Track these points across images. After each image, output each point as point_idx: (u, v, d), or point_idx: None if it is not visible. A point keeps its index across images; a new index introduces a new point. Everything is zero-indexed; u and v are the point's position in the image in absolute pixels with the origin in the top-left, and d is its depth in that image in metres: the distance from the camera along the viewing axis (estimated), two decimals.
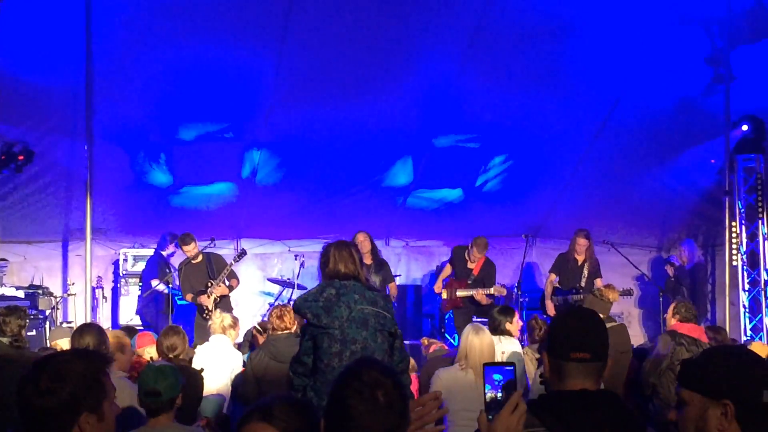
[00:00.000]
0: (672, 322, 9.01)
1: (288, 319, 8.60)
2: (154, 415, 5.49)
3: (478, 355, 7.53)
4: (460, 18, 11.59)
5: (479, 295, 13.03)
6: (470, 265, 13.29)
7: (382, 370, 3.05)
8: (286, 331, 8.49)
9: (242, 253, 13.09)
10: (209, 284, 12.54)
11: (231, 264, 12.74)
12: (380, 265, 12.84)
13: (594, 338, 3.35)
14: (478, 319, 13.14)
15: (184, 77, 12.00)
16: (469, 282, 13.17)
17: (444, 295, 13.35)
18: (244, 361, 9.14)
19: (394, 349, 6.31)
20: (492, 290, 13.08)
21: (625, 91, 12.86)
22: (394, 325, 6.35)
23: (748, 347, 10.98)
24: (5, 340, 7.60)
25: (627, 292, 13.42)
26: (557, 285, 13.64)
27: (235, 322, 9.68)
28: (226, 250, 14.11)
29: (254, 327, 10.59)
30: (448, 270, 13.51)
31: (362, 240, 12.53)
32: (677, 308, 9.03)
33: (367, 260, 12.50)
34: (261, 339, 10.62)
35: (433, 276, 14.99)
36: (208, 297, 12.48)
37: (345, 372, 3.10)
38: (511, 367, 3.04)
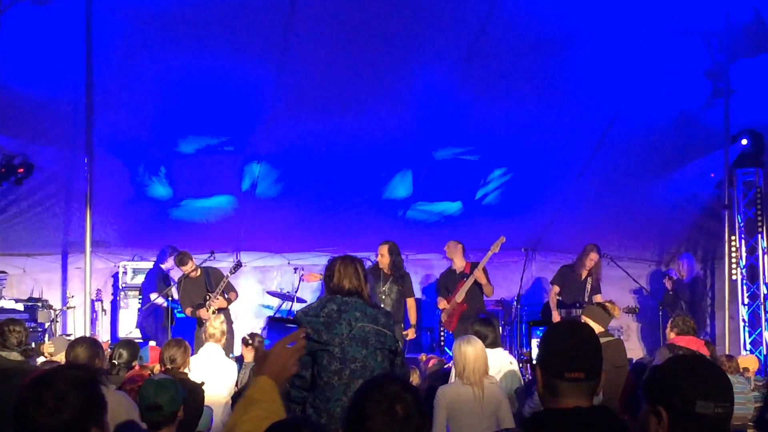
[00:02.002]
0: (671, 335, 9.05)
1: None
2: (155, 428, 5.49)
3: (473, 365, 7.56)
4: (460, 31, 11.62)
5: (477, 273, 12.79)
6: (458, 270, 13.19)
7: (404, 385, 3.15)
8: None
9: (238, 265, 13.11)
10: (207, 297, 12.57)
11: (227, 276, 12.76)
12: (401, 277, 12.65)
13: (588, 357, 3.34)
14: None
15: (184, 90, 12.02)
16: (464, 279, 12.97)
17: (444, 317, 13.22)
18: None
19: (395, 366, 6.26)
20: (491, 250, 12.91)
21: (624, 104, 12.87)
22: (396, 342, 6.31)
23: (737, 359, 11.04)
24: (4, 353, 7.59)
25: (632, 311, 13.44)
26: (559, 297, 13.66)
27: (224, 332, 9.74)
28: (225, 263, 14.09)
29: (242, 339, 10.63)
30: (443, 300, 13.37)
31: (383, 253, 12.44)
32: (675, 322, 9.11)
33: (387, 270, 12.44)
34: (247, 352, 10.67)
35: (433, 288, 14.99)
36: (207, 310, 12.50)
37: (368, 383, 3.20)
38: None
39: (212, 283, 12.74)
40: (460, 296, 12.88)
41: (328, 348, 6.03)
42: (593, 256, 13.49)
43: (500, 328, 13.63)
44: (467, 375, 7.59)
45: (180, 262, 12.85)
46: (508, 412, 7.69)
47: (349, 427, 3.10)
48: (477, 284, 12.86)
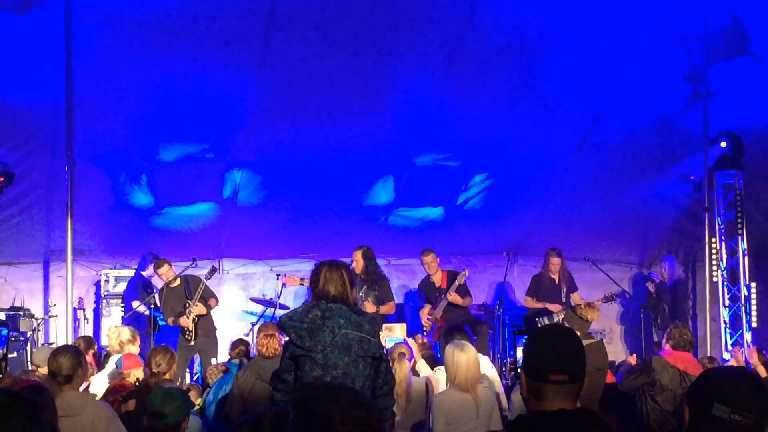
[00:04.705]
0: (666, 347, 8.91)
1: (276, 338, 8.59)
2: None
3: (465, 373, 7.58)
4: (440, 37, 11.63)
5: (451, 296, 13.05)
6: (437, 283, 13.41)
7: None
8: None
9: (212, 270, 13.13)
10: (186, 305, 12.58)
11: (203, 281, 12.77)
12: (375, 282, 12.70)
13: (572, 360, 3.36)
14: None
15: (164, 98, 12.00)
16: (442, 296, 13.20)
17: (428, 328, 13.40)
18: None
19: (379, 372, 6.27)
20: (456, 282, 13.08)
21: (604, 108, 12.89)
22: (380, 348, 6.29)
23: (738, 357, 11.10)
24: None
25: (610, 298, 13.50)
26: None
27: (134, 337, 9.69)
28: (207, 270, 14.09)
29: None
30: (426, 307, 13.55)
31: (357, 259, 12.56)
32: (671, 334, 8.90)
33: (362, 275, 12.58)
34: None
35: (416, 295, 15.01)
36: (187, 317, 12.52)
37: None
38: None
39: (191, 290, 12.75)
40: (438, 312, 13.21)
41: (311, 354, 6.01)
42: (554, 260, 13.82)
43: (488, 333, 13.72)
44: (459, 382, 7.61)
45: (157, 266, 12.89)
46: (498, 415, 7.74)
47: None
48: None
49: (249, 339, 12.91)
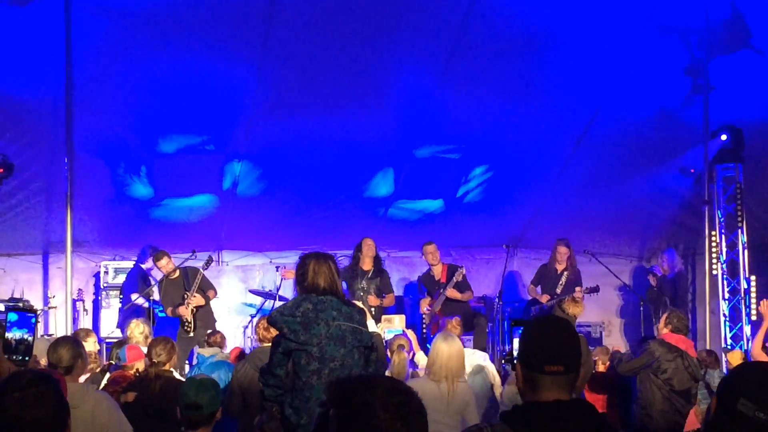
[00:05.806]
0: (664, 331, 9.10)
1: (274, 330, 8.59)
2: (193, 428, 5.53)
3: (446, 363, 7.56)
4: (440, 30, 11.61)
5: (449, 292, 13.21)
6: (437, 276, 13.52)
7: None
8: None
9: (209, 260, 13.13)
10: (185, 296, 12.61)
11: (200, 271, 12.79)
12: (379, 272, 12.87)
13: (568, 351, 3.35)
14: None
15: (164, 89, 11.99)
16: (441, 291, 13.27)
17: (427, 320, 13.46)
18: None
19: (369, 362, 6.28)
20: (454, 279, 13.23)
21: (604, 101, 12.88)
22: (370, 338, 6.32)
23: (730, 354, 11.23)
24: None
25: (593, 290, 13.58)
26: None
27: (147, 335, 9.81)
28: (205, 261, 14.10)
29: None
30: (427, 298, 13.62)
31: (370, 244, 12.75)
32: (669, 318, 9.16)
33: (367, 266, 12.77)
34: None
35: (415, 287, 15.01)
36: (186, 308, 12.55)
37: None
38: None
39: (190, 282, 12.79)
40: (437, 306, 13.34)
41: (306, 348, 6.01)
42: (561, 250, 13.94)
43: (486, 326, 13.75)
44: (435, 370, 7.60)
45: (156, 259, 12.94)
46: (475, 413, 7.69)
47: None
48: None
49: (248, 331, 12.95)
